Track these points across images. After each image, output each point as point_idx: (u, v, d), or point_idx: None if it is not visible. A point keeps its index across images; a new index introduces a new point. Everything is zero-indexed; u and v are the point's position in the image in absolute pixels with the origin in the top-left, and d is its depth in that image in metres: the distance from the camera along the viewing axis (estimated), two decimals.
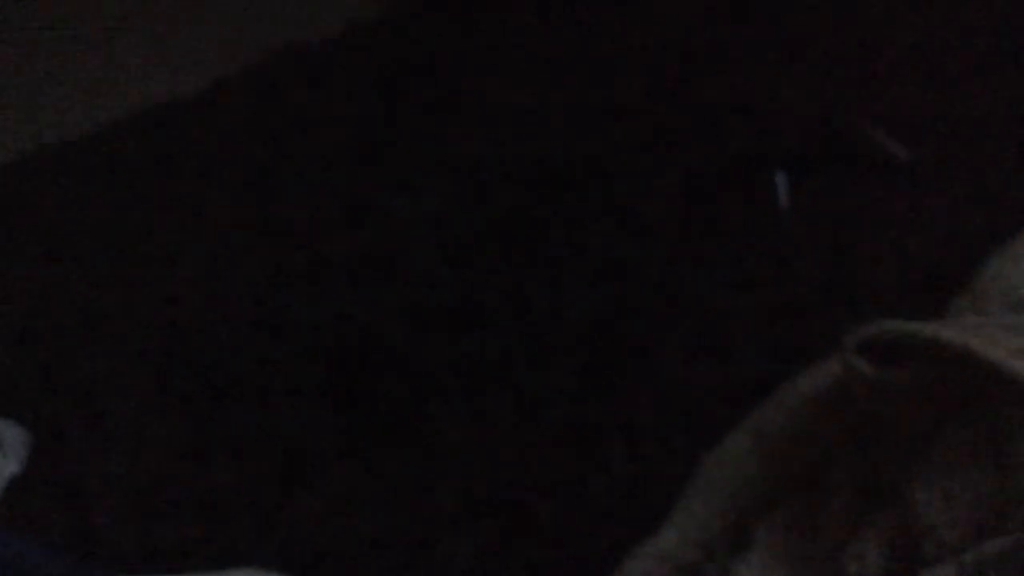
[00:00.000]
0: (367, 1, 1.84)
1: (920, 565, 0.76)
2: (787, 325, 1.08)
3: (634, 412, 1.04)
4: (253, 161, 1.54)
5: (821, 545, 0.82)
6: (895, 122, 1.27)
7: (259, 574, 0.93)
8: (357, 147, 1.52)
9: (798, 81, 1.36)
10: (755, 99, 1.35)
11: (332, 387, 1.14)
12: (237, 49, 1.76)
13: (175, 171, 1.55)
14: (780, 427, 0.89)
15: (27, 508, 1.07)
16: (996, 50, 1.43)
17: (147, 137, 1.63)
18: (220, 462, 1.09)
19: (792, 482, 0.87)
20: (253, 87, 1.69)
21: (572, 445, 1.02)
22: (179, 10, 1.90)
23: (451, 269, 1.27)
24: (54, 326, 1.32)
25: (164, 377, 1.20)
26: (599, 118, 1.41)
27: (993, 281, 0.96)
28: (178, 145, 1.60)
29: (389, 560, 0.95)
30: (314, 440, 1.08)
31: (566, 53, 1.55)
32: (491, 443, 1.04)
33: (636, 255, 1.22)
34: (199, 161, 1.56)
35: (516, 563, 0.93)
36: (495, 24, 1.68)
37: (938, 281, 1.07)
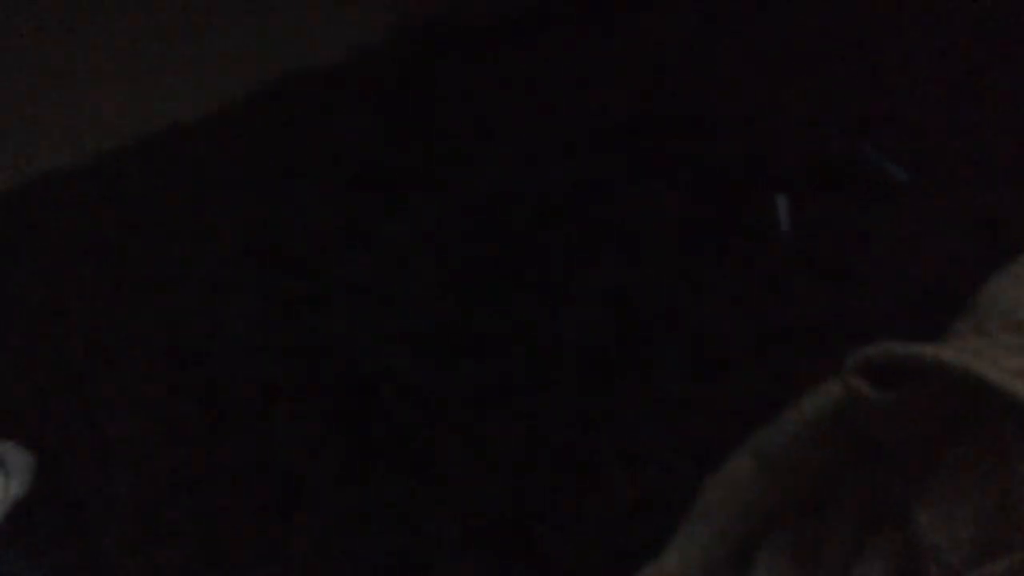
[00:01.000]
0: (371, 28, 1.86)
1: None
2: (787, 348, 1.09)
3: (634, 436, 1.04)
4: (255, 187, 1.55)
5: (824, 567, 0.82)
6: (894, 144, 1.28)
7: None
8: (359, 173, 1.52)
9: (797, 103, 1.37)
10: (754, 121, 1.35)
11: (333, 412, 1.14)
12: (240, 75, 1.77)
13: (177, 197, 1.56)
14: (782, 449, 0.89)
15: (30, 532, 1.07)
16: (996, 72, 1.44)
17: (149, 162, 1.64)
18: (222, 487, 1.09)
19: (794, 504, 0.87)
20: (256, 113, 1.70)
21: (572, 470, 1.03)
22: (182, 35, 1.92)
23: (451, 295, 1.27)
24: (57, 350, 1.33)
25: (167, 402, 1.20)
26: (597, 144, 1.42)
27: (993, 303, 0.96)
28: (180, 171, 1.60)
29: None
30: (315, 465, 1.08)
31: (564, 79, 1.56)
32: (491, 468, 1.04)
33: (635, 280, 1.22)
34: (201, 187, 1.57)
35: None
36: (495, 53, 1.69)
37: (937, 303, 1.08)
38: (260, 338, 1.27)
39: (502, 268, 1.29)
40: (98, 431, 1.19)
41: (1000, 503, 0.76)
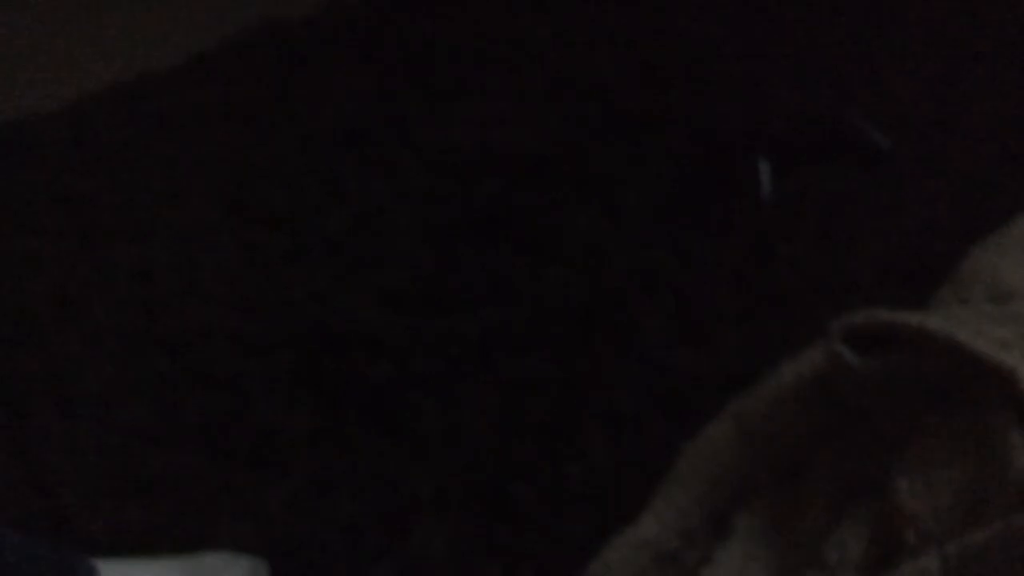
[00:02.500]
0: None
1: (902, 554, 0.76)
2: (769, 314, 1.08)
3: (614, 399, 1.03)
4: (229, 139, 1.51)
5: (802, 533, 0.81)
6: (878, 112, 1.27)
7: (232, 558, 0.92)
8: (335, 128, 1.49)
9: (782, 70, 1.35)
10: (739, 87, 1.34)
11: (307, 371, 1.12)
12: (214, 23, 1.73)
13: (150, 147, 1.52)
14: (762, 416, 0.88)
15: None
16: (981, 42, 1.43)
17: (121, 111, 1.59)
18: (192, 445, 1.06)
19: (773, 471, 0.86)
20: (231, 63, 1.66)
21: (551, 432, 1.01)
22: None
23: (430, 254, 1.25)
24: (21, 303, 1.29)
25: (135, 357, 1.17)
26: (582, 104, 1.40)
27: (976, 272, 0.95)
28: (153, 120, 1.56)
29: (365, 545, 0.94)
30: (288, 424, 1.06)
31: (550, 38, 1.53)
32: (469, 429, 1.03)
33: (617, 242, 1.21)
34: (174, 137, 1.53)
35: (493, 549, 0.92)
36: (478, 6, 1.66)
37: (920, 271, 1.07)
38: (232, 292, 1.24)
39: (480, 227, 1.26)
40: (63, 385, 1.16)
41: (981, 472, 0.76)
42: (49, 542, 0.87)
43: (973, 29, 1.46)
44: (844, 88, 1.32)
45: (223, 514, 0.99)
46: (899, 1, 1.49)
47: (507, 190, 1.30)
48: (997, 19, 1.46)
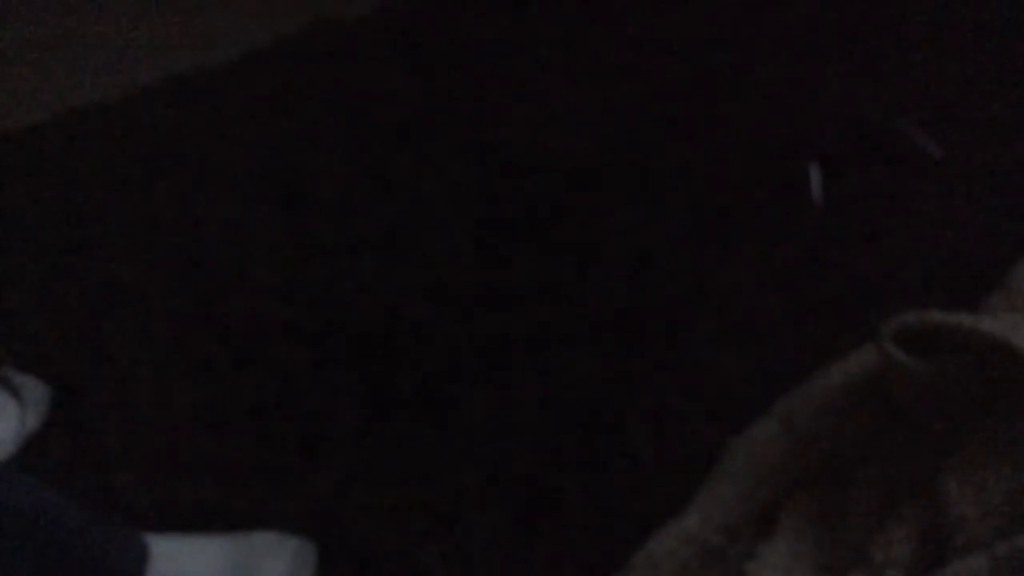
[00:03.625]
0: None
1: (950, 556, 0.76)
2: (815, 318, 1.08)
3: (659, 398, 1.03)
4: (281, 133, 1.53)
5: (848, 532, 0.81)
6: (931, 121, 1.27)
7: (279, 538, 0.93)
8: (387, 125, 1.51)
9: (837, 76, 1.35)
10: (792, 92, 1.34)
11: (355, 360, 1.13)
12: (270, 22, 1.76)
13: (204, 139, 1.54)
14: (810, 415, 0.89)
15: (46, 465, 1.07)
16: None
17: (176, 105, 1.62)
18: (241, 428, 1.08)
19: (819, 470, 0.87)
20: (283, 60, 1.69)
21: (596, 428, 1.02)
22: None
23: (479, 250, 1.26)
24: (77, 285, 1.32)
25: (187, 342, 1.20)
26: (633, 108, 1.41)
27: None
28: (207, 114, 1.59)
29: (408, 531, 0.95)
30: (336, 410, 1.08)
31: (602, 41, 1.54)
32: (514, 422, 1.03)
33: (665, 244, 1.21)
34: (227, 131, 1.56)
35: (536, 540, 0.92)
36: (532, 8, 1.67)
37: (969, 280, 1.07)
38: (283, 282, 1.26)
39: (529, 226, 1.27)
40: (117, 367, 1.18)
41: None
42: (104, 515, 0.89)
43: None
44: (898, 96, 1.32)
45: (270, 496, 1.00)
46: (956, 11, 1.49)
47: (556, 191, 1.31)
48: None
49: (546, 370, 1.08)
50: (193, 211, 1.41)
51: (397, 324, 1.17)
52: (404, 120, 1.49)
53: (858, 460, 0.85)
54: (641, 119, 1.37)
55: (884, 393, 0.85)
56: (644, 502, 0.94)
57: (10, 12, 1.83)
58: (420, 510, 0.97)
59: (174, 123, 1.57)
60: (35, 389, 1.16)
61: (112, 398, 1.14)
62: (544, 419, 1.03)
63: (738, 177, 1.24)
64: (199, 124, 1.55)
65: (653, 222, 1.23)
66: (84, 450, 1.10)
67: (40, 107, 1.62)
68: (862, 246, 1.14)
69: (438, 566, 0.92)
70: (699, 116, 1.34)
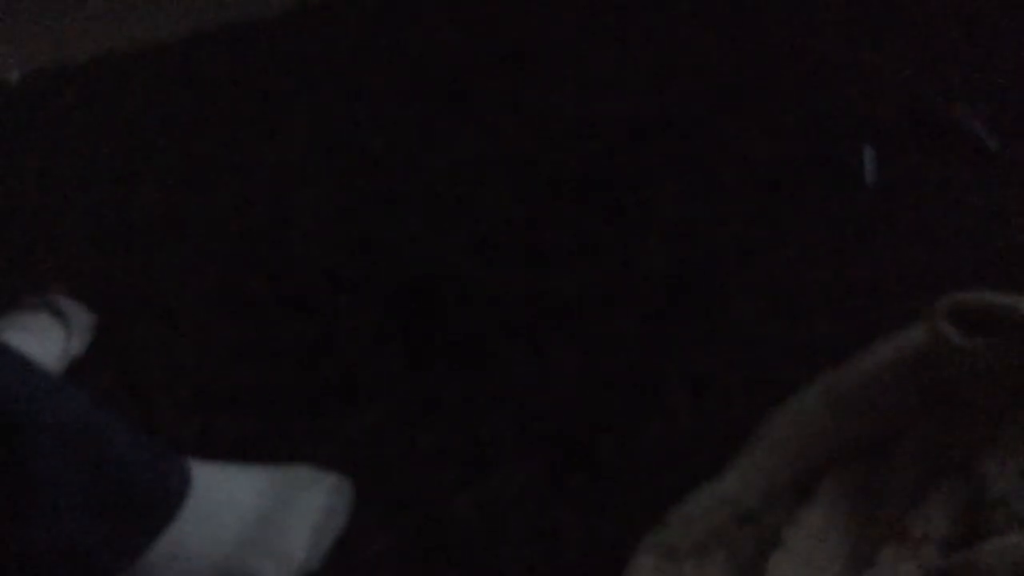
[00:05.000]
0: None
1: (987, 534, 0.76)
2: (861, 297, 1.07)
3: (699, 365, 1.04)
4: (333, 84, 1.54)
5: (886, 506, 0.81)
6: (989, 111, 1.25)
7: (317, 474, 0.94)
8: (435, 81, 1.51)
9: (899, 59, 1.34)
10: (851, 72, 1.33)
11: (398, 308, 1.15)
12: None
13: (256, 87, 1.56)
14: (853, 390, 0.88)
15: (89, 389, 1.09)
16: None
17: (232, 51, 1.64)
18: (282, 366, 1.10)
19: (861, 443, 0.87)
20: (336, 12, 1.69)
21: (635, 389, 1.02)
22: None
23: (524, 208, 1.27)
24: (126, 220, 1.34)
25: (233, 280, 1.21)
26: (687, 77, 1.40)
27: None
28: (261, 62, 1.60)
29: (443, 477, 0.96)
30: (376, 355, 1.09)
31: (659, 9, 1.53)
32: (553, 378, 1.04)
33: (713, 215, 1.21)
34: (280, 79, 1.57)
35: (569, 495, 0.93)
36: None
37: (1017, 269, 1.06)
38: (329, 228, 1.27)
39: (576, 189, 1.28)
40: (162, 299, 1.20)
41: None
42: (147, 433, 0.90)
43: None
44: (957, 83, 1.31)
45: (308, 435, 1.01)
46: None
47: (606, 156, 1.31)
48: None
49: (587, 330, 1.08)
50: (242, 154, 1.43)
51: (440, 275, 1.18)
52: (453, 77, 1.49)
53: (900, 436, 0.85)
54: (695, 89, 1.36)
55: (931, 372, 0.85)
56: (678, 465, 0.94)
57: None
58: (455, 458, 0.98)
59: (228, 69, 1.58)
60: (80, 315, 1.18)
61: (156, 329, 1.16)
62: (583, 377, 1.03)
63: (791, 152, 1.24)
64: (252, 73, 1.56)
65: (702, 191, 1.22)
66: (126, 378, 1.12)
67: (99, 44, 1.64)
68: (912, 230, 1.13)
69: (471, 513, 0.93)
70: (754, 89, 1.33)
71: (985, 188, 1.20)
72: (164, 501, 0.86)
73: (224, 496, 0.89)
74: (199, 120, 1.49)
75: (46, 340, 1.14)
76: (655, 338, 1.07)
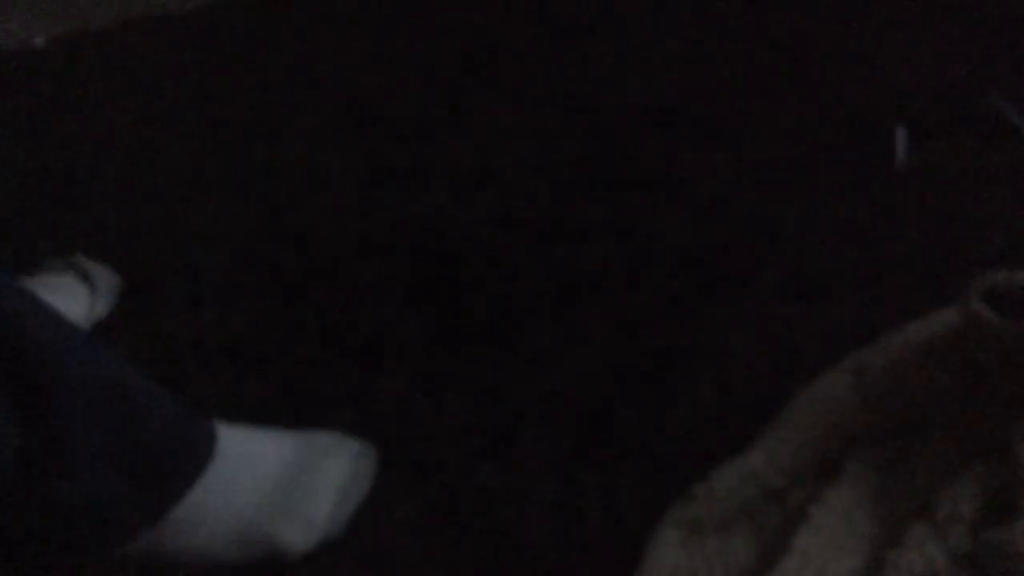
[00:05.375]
0: None
1: (1018, 516, 0.75)
2: (890, 279, 1.07)
3: (726, 345, 1.03)
4: (360, 54, 1.54)
5: (913, 486, 0.81)
6: (1022, 97, 1.24)
7: (341, 440, 0.95)
8: (465, 55, 1.51)
9: (934, 41, 1.33)
10: (886, 55, 1.32)
11: (424, 279, 1.14)
12: None
13: (284, 54, 1.55)
14: (883, 369, 0.88)
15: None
16: None
17: (257, 17, 1.63)
18: (309, 333, 1.09)
19: (888, 423, 0.86)
20: None
21: (660, 366, 1.02)
22: None
23: (551, 183, 1.26)
24: (152, 185, 1.34)
25: (258, 245, 1.21)
26: (720, 57, 1.39)
27: None
28: (290, 30, 1.60)
29: (465, 448, 0.96)
30: (402, 325, 1.09)
31: None
32: (579, 351, 1.04)
33: (742, 195, 1.20)
34: (306, 46, 1.56)
35: (593, 466, 0.93)
36: None
37: None
38: (355, 198, 1.27)
39: (605, 164, 1.27)
40: (188, 263, 1.20)
41: None
42: (173, 395, 0.90)
43: None
44: (992, 69, 1.30)
45: (333, 401, 1.01)
46: None
47: (634, 132, 1.30)
48: None
49: (613, 306, 1.08)
50: (270, 123, 1.43)
51: (466, 248, 1.18)
52: (483, 50, 1.49)
53: (930, 417, 0.85)
54: (727, 68, 1.35)
55: (963, 353, 0.84)
56: (702, 443, 0.94)
57: None
58: (479, 429, 0.97)
59: (253, 36, 1.58)
60: (106, 277, 1.18)
61: (182, 293, 1.16)
62: (608, 353, 1.03)
63: (822, 133, 1.23)
64: (280, 40, 1.56)
65: (731, 171, 1.22)
66: (151, 341, 1.12)
67: (124, 8, 1.64)
68: (943, 214, 1.12)
69: (494, 482, 0.93)
70: (787, 71, 1.32)
71: (1017, 173, 1.19)
72: (189, 462, 0.86)
73: (248, 460, 0.89)
74: (225, 86, 1.49)
75: (71, 301, 1.15)
76: (681, 315, 1.06)
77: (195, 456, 0.86)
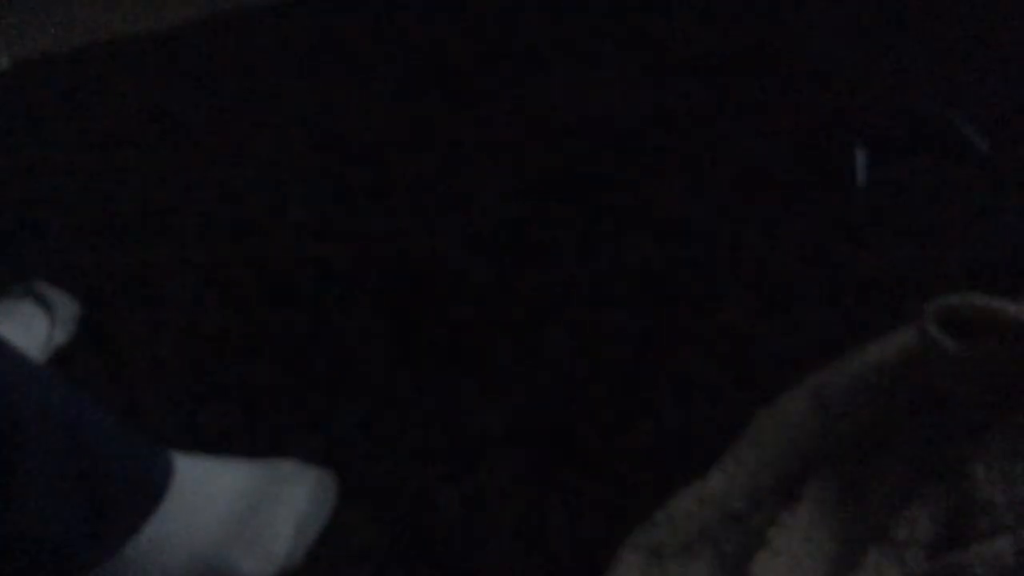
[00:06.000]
0: None
1: (973, 538, 0.75)
2: (852, 298, 1.07)
3: (689, 364, 1.03)
4: (321, 75, 1.53)
5: (871, 508, 0.81)
6: (980, 114, 1.26)
7: (301, 468, 0.94)
8: (430, 74, 1.51)
9: (890, 62, 1.34)
10: (844, 74, 1.33)
11: (388, 301, 1.14)
12: None
13: (245, 75, 1.55)
14: (842, 391, 0.88)
15: (72, 381, 1.08)
16: None
17: (220, 39, 1.63)
18: (269, 359, 1.09)
19: (847, 446, 0.86)
20: (329, 3, 1.69)
21: (623, 386, 1.02)
22: None
23: (514, 203, 1.26)
24: (112, 210, 1.33)
25: (220, 271, 1.20)
26: (682, 79, 1.40)
27: None
28: (250, 50, 1.59)
29: (429, 471, 0.95)
30: (364, 348, 1.08)
31: (654, 11, 1.53)
32: (542, 374, 1.04)
33: (704, 215, 1.21)
34: (269, 68, 1.56)
35: (557, 489, 0.93)
36: None
37: (1010, 275, 1.06)
38: (317, 220, 1.26)
39: (567, 187, 1.27)
40: (148, 290, 1.19)
41: None
42: (130, 425, 0.89)
43: None
44: (949, 87, 1.31)
45: (294, 427, 1.01)
46: (1014, 5, 1.47)
47: (599, 152, 1.31)
48: None
49: (577, 327, 1.08)
50: (231, 146, 1.42)
51: (430, 269, 1.17)
52: (448, 71, 1.49)
53: (887, 438, 0.85)
54: (690, 87, 1.36)
55: (919, 375, 0.85)
56: (666, 463, 0.94)
57: None
58: (442, 452, 0.97)
59: (214, 60, 1.57)
60: (65, 304, 1.17)
61: (141, 320, 1.15)
62: (572, 374, 1.03)
63: (783, 154, 1.23)
64: (239, 63, 1.55)
65: (695, 191, 1.22)
66: (110, 369, 1.11)
67: (87, 32, 1.63)
68: (904, 232, 1.13)
69: (456, 507, 0.92)
70: (748, 91, 1.33)
71: (977, 190, 1.20)
72: (145, 497, 0.85)
73: (207, 489, 0.88)
74: (187, 110, 1.48)
75: (30, 329, 1.13)
76: (645, 335, 1.06)
77: (150, 491, 0.85)
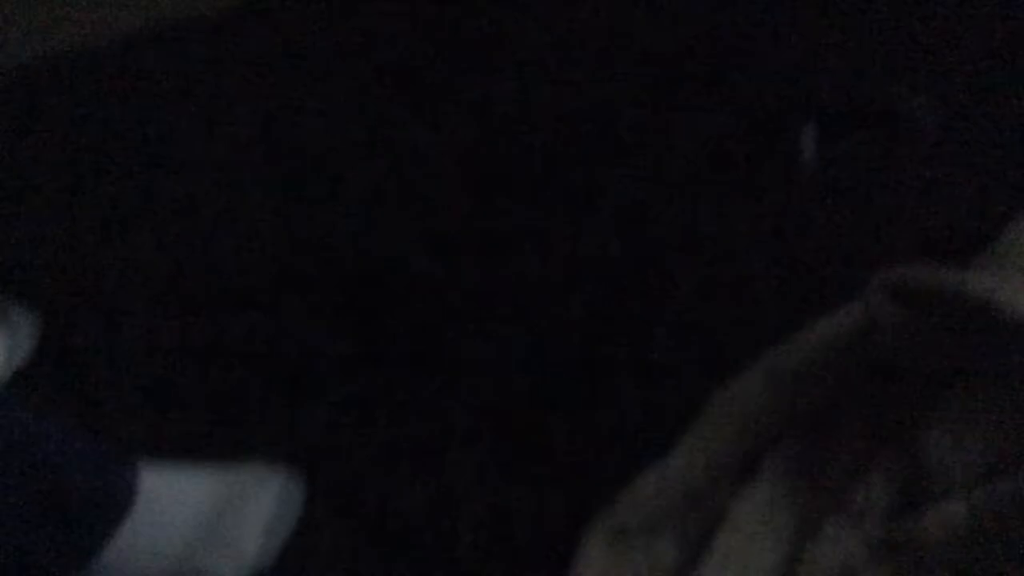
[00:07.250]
0: None
1: (927, 503, 0.77)
2: (805, 278, 1.09)
3: (647, 349, 1.05)
4: (276, 80, 1.53)
5: (828, 479, 0.83)
6: (930, 91, 1.27)
7: (268, 470, 0.94)
8: (381, 75, 1.51)
9: (838, 39, 1.35)
10: (790, 53, 1.34)
11: (347, 302, 1.14)
12: None
13: (197, 84, 1.54)
14: (794, 366, 0.90)
15: (34, 396, 1.07)
16: None
17: (171, 49, 1.61)
18: (230, 366, 1.09)
19: (802, 418, 0.88)
20: (282, 8, 1.68)
21: (583, 375, 1.03)
22: None
23: (469, 199, 1.27)
24: (69, 221, 1.32)
25: (178, 280, 1.20)
26: (628, 64, 1.41)
27: (1015, 241, 0.97)
28: (201, 59, 1.58)
29: (396, 468, 0.96)
30: (326, 350, 1.09)
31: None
32: (503, 366, 1.04)
33: (656, 200, 1.22)
34: (221, 77, 1.55)
35: (522, 481, 0.94)
36: None
37: (961, 248, 1.08)
38: (274, 226, 1.26)
39: (522, 178, 1.28)
40: (108, 300, 1.19)
41: (1012, 427, 0.77)
42: (93, 442, 0.89)
43: None
44: (896, 63, 1.33)
45: (259, 431, 1.01)
46: None
47: (551, 144, 1.31)
48: None
49: (537, 318, 1.09)
50: (184, 156, 1.41)
51: (388, 269, 1.18)
52: (397, 69, 1.49)
53: (840, 410, 0.87)
54: (639, 75, 1.37)
55: (869, 347, 0.87)
56: (629, 449, 0.95)
57: None
58: (407, 449, 0.98)
59: (167, 68, 1.56)
60: (24, 318, 1.16)
61: (102, 330, 1.15)
62: (532, 365, 1.04)
63: (733, 134, 1.25)
64: (193, 70, 1.54)
65: (647, 178, 1.23)
66: (72, 380, 1.11)
67: (32, 49, 1.61)
68: (854, 208, 1.15)
69: (422, 507, 0.93)
70: (696, 74, 1.34)
71: (925, 163, 1.22)
72: (109, 511, 0.86)
73: (174, 497, 0.89)
74: (138, 122, 1.47)
75: None
76: (604, 323, 1.08)
77: (114, 504, 0.85)
